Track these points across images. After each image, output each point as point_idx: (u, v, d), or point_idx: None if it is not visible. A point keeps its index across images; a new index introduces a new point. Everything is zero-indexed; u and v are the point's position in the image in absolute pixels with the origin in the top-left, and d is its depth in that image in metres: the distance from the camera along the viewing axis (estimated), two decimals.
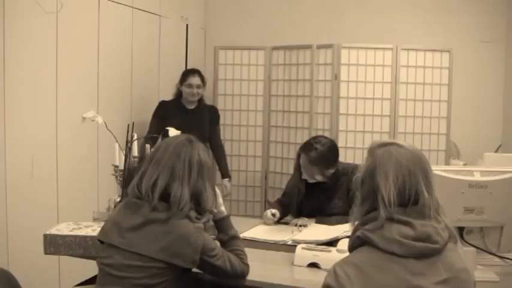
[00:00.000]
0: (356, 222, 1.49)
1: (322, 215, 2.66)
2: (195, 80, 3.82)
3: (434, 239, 1.38)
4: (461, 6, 4.45)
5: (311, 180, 2.71)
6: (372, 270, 1.36)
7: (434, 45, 4.18)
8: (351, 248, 1.47)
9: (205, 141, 3.60)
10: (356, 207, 1.51)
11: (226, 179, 4.06)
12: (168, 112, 3.75)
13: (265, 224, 2.69)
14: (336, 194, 2.67)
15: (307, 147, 2.69)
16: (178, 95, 3.89)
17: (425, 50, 4.13)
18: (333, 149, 2.71)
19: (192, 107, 3.86)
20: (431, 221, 1.41)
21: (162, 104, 3.90)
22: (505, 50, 4.43)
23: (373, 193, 1.44)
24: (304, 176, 2.70)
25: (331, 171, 2.68)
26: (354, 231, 1.48)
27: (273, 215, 2.70)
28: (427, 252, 1.37)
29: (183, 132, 3.24)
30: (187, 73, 3.89)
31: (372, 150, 1.50)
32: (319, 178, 2.68)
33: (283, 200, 2.91)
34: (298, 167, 2.74)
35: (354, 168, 2.68)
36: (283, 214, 2.79)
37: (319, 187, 2.72)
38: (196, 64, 4.69)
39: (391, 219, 1.40)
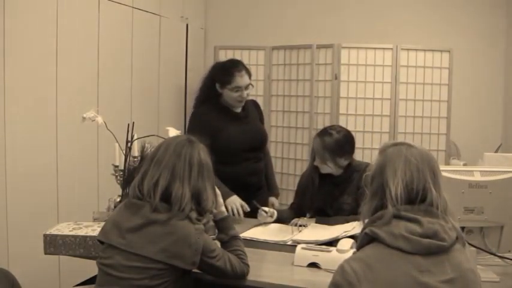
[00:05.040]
0: (366, 221, 1.50)
1: (332, 209, 2.65)
2: (243, 81, 2.78)
3: (441, 236, 1.38)
4: (461, 7, 4.45)
5: (323, 170, 2.67)
6: (379, 266, 1.36)
7: (434, 45, 4.19)
8: (360, 246, 1.47)
9: (265, 146, 3.10)
10: (365, 204, 1.52)
11: (274, 198, 3.05)
12: (216, 124, 2.79)
13: (263, 223, 2.66)
14: (347, 189, 2.65)
15: (322, 132, 2.69)
16: (214, 95, 2.87)
17: (425, 50, 4.14)
18: (348, 138, 2.68)
19: (239, 109, 2.89)
20: (439, 220, 1.42)
21: (205, 115, 2.84)
22: (505, 50, 4.43)
23: (382, 188, 1.46)
24: (317, 162, 2.66)
25: (344, 162, 2.64)
26: (362, 229, 1.48)
27: (266, 212, 2.66)
28: (433, 249, 1.37)
29: (243, 143, 2.87)
30: (232, 70, 2.78)
31: (382, 150, 1.53)
32: (330, 166, 2.63)
33: (295, 201, 2.87)
34: (313, 155, 2.70)
35: (366, 166, 2.64)
36: (299, 216, 2.74)
37: (332, 180, 2.70)
38: (196, 64, 4.69)
39: (398, 217, 1.41)
